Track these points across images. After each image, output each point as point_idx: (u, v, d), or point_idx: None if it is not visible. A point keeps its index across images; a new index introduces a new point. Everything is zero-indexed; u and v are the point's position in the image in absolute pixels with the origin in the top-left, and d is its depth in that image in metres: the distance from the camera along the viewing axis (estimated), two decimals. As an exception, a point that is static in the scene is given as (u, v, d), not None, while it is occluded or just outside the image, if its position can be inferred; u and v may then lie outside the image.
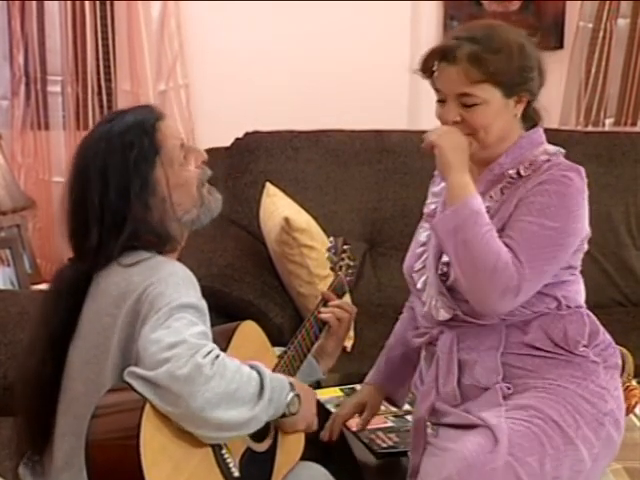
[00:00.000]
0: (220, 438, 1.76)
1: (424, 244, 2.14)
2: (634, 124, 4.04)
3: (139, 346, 1.70)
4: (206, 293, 2.90)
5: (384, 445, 2.32)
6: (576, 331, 2.00)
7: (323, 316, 2.20)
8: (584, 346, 2.01)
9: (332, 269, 2.35)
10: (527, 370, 1.99)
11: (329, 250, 2.36)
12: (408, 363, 2.28)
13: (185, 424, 1.69)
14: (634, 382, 2.45)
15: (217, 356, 1.69)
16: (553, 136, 3.71)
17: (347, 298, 3.17)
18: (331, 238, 2.42)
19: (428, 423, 2.08)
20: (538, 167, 1.99)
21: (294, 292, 3.14)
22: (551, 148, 2.05)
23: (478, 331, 2.01)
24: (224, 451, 1.82)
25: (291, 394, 1.84)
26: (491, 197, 2.01)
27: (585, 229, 2.01)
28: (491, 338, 2.00)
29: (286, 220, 3.09)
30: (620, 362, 2.11)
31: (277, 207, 3.24)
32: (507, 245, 1.91)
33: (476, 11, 3.89)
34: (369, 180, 3.59)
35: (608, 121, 4.04)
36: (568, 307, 2.02)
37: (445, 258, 2.03)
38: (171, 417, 1.68)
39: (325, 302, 2.24)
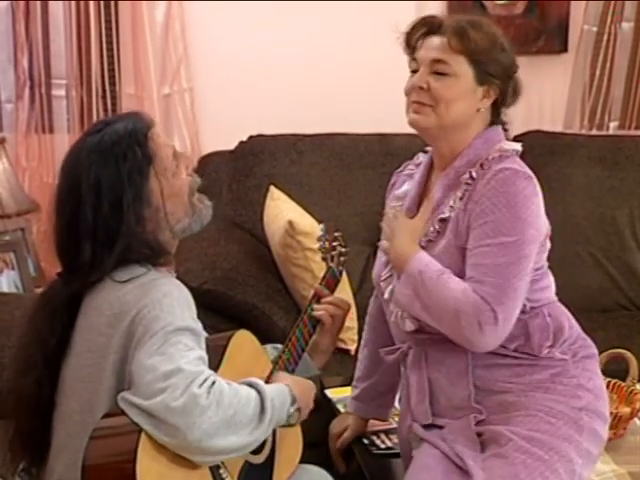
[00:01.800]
0: (221, 460, 1.75)
1: None
2: (638, 127, 4.03)
3: (133, 371, 1.68)
4: (210, 296, 2.95)
5: (382, 446, 2.33)
6: (539, 334, 1.99)
7: (316, 314, 2.18)
8: (549, 347, 2.00)
9: (324, 259, 2.32)
10: (495, 381, 1.99)
11: (320, 239, 2.32)
12: (384, 389, 2.32)
13: (183, 453, 1.68)
14: (638, 386, 2.45)
15: (213, 383, 1.67)
16: (557, 139, 3.77)
17: (347, 293, 3.17)
18: (321, 225, 2.38)
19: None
20: (488, 167, 1.97)
21: (298, 295, 3.14)
22: (507, 146, 2.03)
23: (444, 347, 2.00)
24: (222, 470, 1.81)
25: (292, 409, 1.84)
26: (452, 207, 2.00)
27: (542, 230, 1.98)
28: (458, 352, 1.99)
29: (290, 223, 3.09)
30: (595, 350, 2.09)
31: (281, 210, 3.25)
32: (473, 277, 1.91)
33: (480, 14, 3.87)
34: (373, 183, 3.59)
35: (612, 124, 4.03)
36: (532, 308, 2.00)
37: None
38: (167, 446, 1.67)
39: (318, 298, 2.22)
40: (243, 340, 2.01)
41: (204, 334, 1.81)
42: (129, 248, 1.82)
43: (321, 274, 2.32)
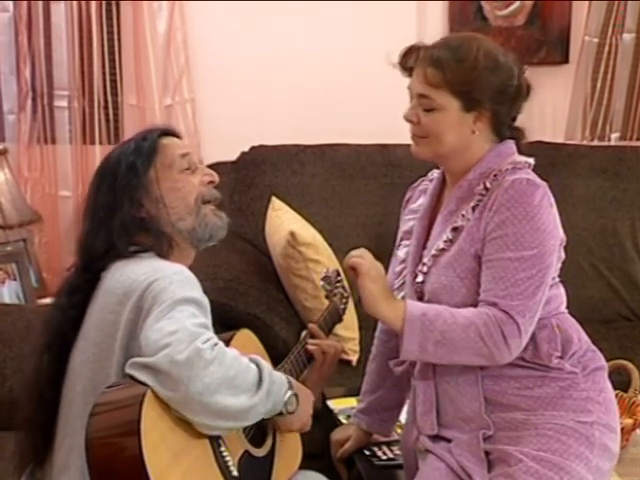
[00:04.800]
0: (218, 427, 1.75)
1: (403, 261, 2.16)
2: (640, 139, 4.04)
3: (141, 338, 1.71)
4: (212, 307, 2.91)
5: (384, 457, 2.33)
6: (547, 345, 1.98)
7: (309, 347, 2.17)
8: (558, 357, 1.99)
9: (327, 297, 2.35)
10: (504, 393, 1.98)
11: (323, 279, 2.35)
12: (389, 405, 2.32)
13: (185, 410, 1.69)
14: (641, 397, 2.44)
15: (216, 343, 1.71)
16: (559, 150, 3.77)
17: (354, 327, 3.17)
18: (324, 269, 2.42)
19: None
20: (502, 179, 1.97)
21: (300, 306, 3.13)
22: (519, 158, 2.03)
23: None
24: (223, 448, 1.82)
25: (289, 392, 1.85)
26: (463, 216, 2.00)
27: (559, 239, 1.99)
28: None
29: (292, 234, 3.09)
30: (604, 362, 2.08)
31: (283, 221, 3.25)
32: (494, 290, 1.91)
33: (481, 26, 3.89)
34: (375, 194, 3.59)
35: (614, 135, 4.03)
36: (541, 319, 1.99)
37: (420, 277, 2.05)
38: (171, 404, 1.68)
39: (312, 336, 2.22)
40: (245, 339, 2.05)
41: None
42: (125, 227, 1.90)
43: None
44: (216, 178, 2.06)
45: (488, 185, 1.99)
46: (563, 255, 2.04)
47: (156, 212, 1.95)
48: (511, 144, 2.06)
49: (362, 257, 2.01)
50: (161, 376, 1.65)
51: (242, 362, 1.76)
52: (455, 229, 2.01)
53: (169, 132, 2.06)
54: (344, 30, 3.83)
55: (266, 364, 1.82)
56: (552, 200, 1.98)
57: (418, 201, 2.19)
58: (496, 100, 1.99)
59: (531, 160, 2.04)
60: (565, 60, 4.00)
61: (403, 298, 2.07)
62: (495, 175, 1.99)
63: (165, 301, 1.73)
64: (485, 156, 2.02)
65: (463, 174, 2.03)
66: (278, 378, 1.83)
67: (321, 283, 2.36)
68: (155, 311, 1.72)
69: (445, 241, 2.02)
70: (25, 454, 1.94)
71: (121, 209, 1.91)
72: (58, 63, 3.73)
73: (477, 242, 1.96)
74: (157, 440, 1.67)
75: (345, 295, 2.38)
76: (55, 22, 3.70)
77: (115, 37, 3.73)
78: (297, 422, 1.95)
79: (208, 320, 1.79)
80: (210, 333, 1.73)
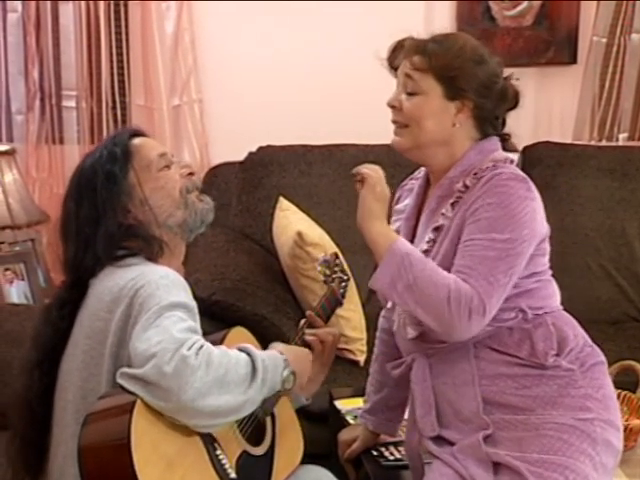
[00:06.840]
0: (215, 425, 1.76)
1: None
2: (648, 139, 4.03)
3: (130, 348, 1.71)
4: (219, 307, 2.95)
5: (391, 458, 2.33)
6: (543, 343, 1.97)
7: (307, 338, 2.15)
8: (555, 355, 1.98)
9: (325, 282, 2.32)
10: (502, 393, 1.97)
11: (321, 264, 2.33)
12: (394, 404, 2.32)
13: (179, 417, 1.69)
14: (648, 398, 2.44)
15: (201, 346, 1.70)
16: (567, 150, 3.76)
17: (357, 304, 3.16)
18: (322, 254, 2.41)
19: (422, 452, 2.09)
20: (482, 176, 1.97)
21: (307, 306, 3.13)
22: (501, 155, 2.03)
23: (448, 358, 2.00)
24: (218, 452, 1.82)
25: (286, 372, 1.85)
26: (443, 214, 2.01)
27: (539, 233, 1.97)
28: (463, 364, 1.98)
29: (299, 234, 3.09)
30: (603, 357, 2.06)
31: (290, 221, 3.25)
32: (462, 267, 1.90)
33: (489, 27, 3.89)
34: (382, 195, 3.59)
35: (622, 136, 4.02)
36: (535, 316, 1.99)
37: None
38: (164, 412, 1.68)
39: (309, 325, 2.20)
40: (239, 336, 2.04)
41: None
42: (112, 236, 1.89)
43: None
44: (194, 169, 2.07)
45: (468, 183, 1.99)
46: (548, 248, 2.03)
47: (143, 216, 1.94)
48: (495, 140, 2.06)
49: (375, 172, 2.02)
50: (151, 386, 1.65)
51: (231, 357, 1.75)
52: (436, 229, 2.01)
53: (137, 133, 2.05)
54: (351, 30, 3.83)
55: (258, 351, 1.82)
56: (534, 193, 1.97)
57: (405, 201, 2.19)
58: (480, 93, 2.00)
59: (512, 156, 2.04)
60: (573, 60, 4.00)
61: None
62: (475, 173, 1.99)
63: (152, 308, 1.73)
64: (467, 154, 2.02)
65: (445, 172, 2.04)
66: (272, 360, 1.83)
67: (319, 268, 2.32)
68: (142, 319, 1.72)
69: (427, 242, 2.02)
70: (18, 470, 1.94)
71: (106, 220, 1.90)
72: (66, 63, 3.74)
73: (457, 239, 1.96)
74: (149, 449, 1.67)
75: (344, 279, 2.35)
76: (63, 23, 3.71)
77: (123, 38, 3.75)
78: (296, 389, 1.95)
79: (196, 322, 1.78)
80: (196, 336, 1.72)
